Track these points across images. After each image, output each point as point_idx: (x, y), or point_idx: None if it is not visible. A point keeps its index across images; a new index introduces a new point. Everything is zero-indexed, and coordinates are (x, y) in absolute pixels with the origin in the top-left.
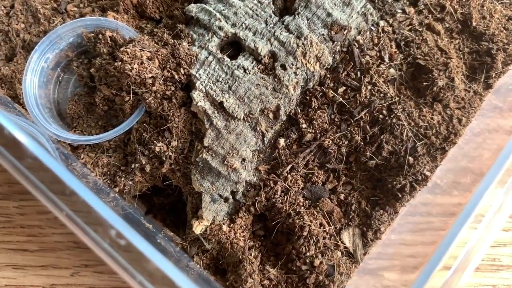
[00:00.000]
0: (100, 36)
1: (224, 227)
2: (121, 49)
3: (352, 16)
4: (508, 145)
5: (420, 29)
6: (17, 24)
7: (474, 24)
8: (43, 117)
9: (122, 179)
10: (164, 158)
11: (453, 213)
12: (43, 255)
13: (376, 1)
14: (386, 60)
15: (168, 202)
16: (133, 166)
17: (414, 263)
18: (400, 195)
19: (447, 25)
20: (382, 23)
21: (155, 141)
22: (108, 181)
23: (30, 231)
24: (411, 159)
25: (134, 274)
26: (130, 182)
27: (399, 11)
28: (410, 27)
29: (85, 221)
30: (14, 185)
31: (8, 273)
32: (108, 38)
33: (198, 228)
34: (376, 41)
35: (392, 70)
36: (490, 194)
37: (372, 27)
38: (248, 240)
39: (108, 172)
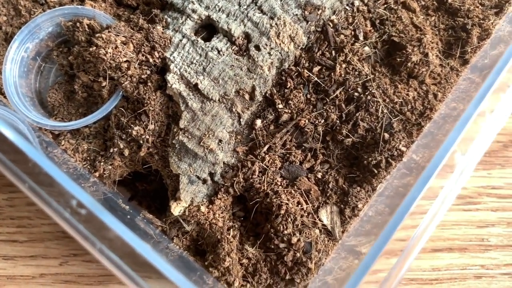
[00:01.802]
0: (78, 24)
1: (203, 208)
2: (97, 35)
3: None
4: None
5: (396, 8)
6: None
7: (449, 0)
8: (23, 105)
9: (102, 163)
10: (141, 142)
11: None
12: (32, 245)
13: None
14: (361, 38)
15: (152, 188)
16: (111, 150)
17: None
18: (376, 171)
19: (423, 2)
20: (357, 2)
21: (132, 125)
22: (88, 166)
23: (19, 222)
24: (386, 135)
25: (94, 242)
26: (110, 167)
27: None
28: (385, 5)
29: (48, 193)
30: (2, 178)
31: None
32: (86, 26)
33: (176, 209)
34: (350, 20)
35: (367, 48)
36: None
37: (347, 7)
38: (228, 221)
39: (88, 158)
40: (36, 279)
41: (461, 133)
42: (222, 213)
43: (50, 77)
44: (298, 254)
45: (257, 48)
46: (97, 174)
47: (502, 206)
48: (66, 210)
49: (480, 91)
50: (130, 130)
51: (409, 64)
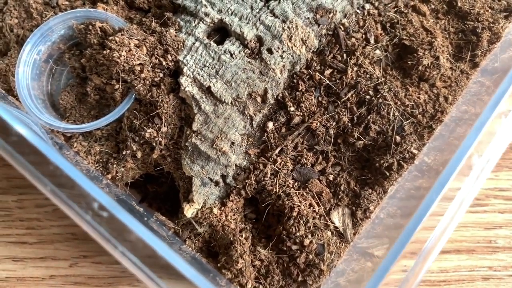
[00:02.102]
0: (90, 27)
1: (215, 210)
2: (110, 37)
3: (337, 0)
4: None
5: (406, 11)
6: (10, 20)
7: (459, 4)
8: (36, 107)
9: (114, 166)
10: (154, 144)
11: (449, 198)
12: (42, 247)
13: None
14: (372, 42)
15: (163, 191)
16: (124, 153)
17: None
18: (387, 174)
19: (433, 6)
20: (367, 6)
21: (145, 128)
22: (101, 169)
23: (29, 224)
24: (398, 138)
25: (116, 245)
26: (122, 169)
27: None
28: (395, 9)
29: (68, 196)
30: (13, 180)
31: (8, 266)
32: (98, 29)
33: (189, 211)
34: (361, 23)
35: (378, 52)
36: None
37: (358, 10)
38: (240, 223)
39: (101, 160)
40: (46, 281)
41: (478, 135)
42: (234, 215)
43: (61, 80)
44: (310, 256)
45: (269, 51)
46: (109, 176)
47: (509, 208)
48: (88, 213)
49: (496, 94)
50: (143, 133)
51: (420, 67)
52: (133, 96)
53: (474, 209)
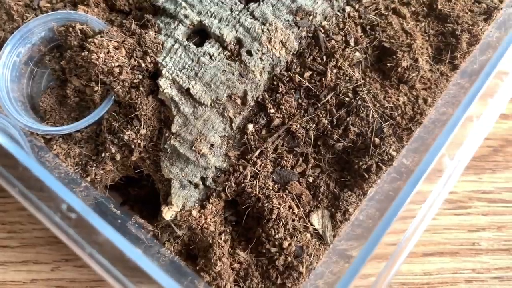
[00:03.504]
0: (70, 29)
1: (194, 213)
2: (89, 39)
3: (317, 2)
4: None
5: (386, 13)
6: None
7: (439, 7)
8: (15, 109)
9: (93, 168)
10: (133, 146)
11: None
12: (23, 250)
13: None
14: (352, 44)
15: (144, 193)
16: (103, 155)
17: None
18: (366, 176)
19: (413, 8)
20: (348, 8)
21: (124, 130)
22: (80, 171)
23: (10, 227)
24: (377, 140)
25: (84, 246)
26: (101, 171)
27: None
28: (376, 11)
29: (38, 197)
30: None
31: None
32: (78, 31)
33: (167, 214)
34: (341, 26)
35: (357, 54)
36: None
37: (338, 13)
38: (219, 225)
39: (80, 162)
40: (27, 285)
41: (449, 137)
42: (213, 217)
43: (42, 82)
44: (289, 258)
45: (249, 53)
46: (88, 178)
47: (492, 210)
48: (57, 215)
49: (467, 96)
50: (122, 135)
51: (399, 69)
52: (112, 98)
53: (458, 211)
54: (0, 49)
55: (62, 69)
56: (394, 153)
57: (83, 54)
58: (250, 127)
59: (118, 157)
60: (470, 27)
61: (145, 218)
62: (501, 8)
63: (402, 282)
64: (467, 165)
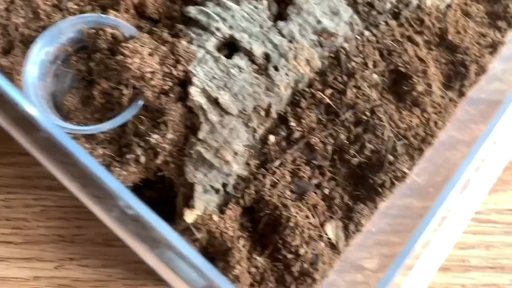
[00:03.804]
0: (101, 32)
1: (215, 217)
2: (123, 44)
3: (339, 25)
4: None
5: (402, 40)
6: (16, 19)
7: (450, 37)
8: (41, 107)
9: (117, 169)
10: (159, 150)
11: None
12: (27, 247)
13: (362, 12)
14: (370, 66)
15: (157, 196)
16: (128, 157)
17: (391, 253)
18: (380, 190)
19: (426, 37)
20: (366, 33)
21: (151, 133)
22: None
23: (15, 223)
24: (391, 157)
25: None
26: (125, 173)
27: (382, 23)
28: (392, 37)
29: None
30: (0, 178)
31: None
32: (109, 35)
33: (189, 217)
34: (361, 48)
35: (375, 76)
36: (452, 198)
37: (358, 36)
38: (237, 231)
39: (103, 163)
40: (30, 282)
41: (473, 159)
42: (232, 222)
43: (66, 82)
44: (305, 265)
45: (276, 68)
46: None
47: (482, 230)
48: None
49: (491, 123)
50: (148, 138)
51: (414, 93)
52: (141, 102)
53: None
54: (24, 46)
55: (89, 70)
56: (406, 171)
57: (118, 58)
58: (272, 138)
59: (142, 159)
60: (478, 59)
61: None
62: (505, 43)
63: None
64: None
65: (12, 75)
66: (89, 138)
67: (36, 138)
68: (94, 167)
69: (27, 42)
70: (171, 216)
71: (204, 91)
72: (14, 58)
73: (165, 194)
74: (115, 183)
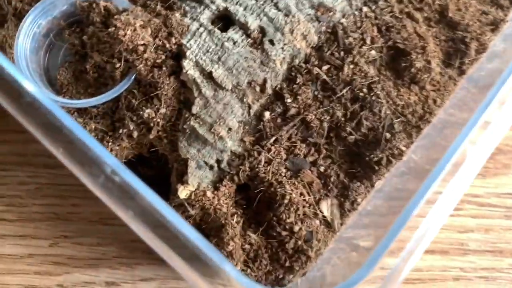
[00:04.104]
0: (94, 5)
1: (208, 193)
2: (115, 16)
3: (337, 0)
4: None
5: (401, 17)
6: None
7: (450, 15)
8: (34, 81)
9: (109, 144)
10: (152, 125)
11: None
12: (22, 225)
13: None
14: (368, 42)
15: (152, 174)
16: (120, 131)
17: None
18: (377, 168)
19: (425, 14)
20: (365, 8)
21: (143, 108)
22: None
23: (9, 200)
24: (388, 135)
25: (126, 209)
26: (117, 148)
27: None
28: (391, 14)
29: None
30: None
31: None
32: (102, 8)
33: (183, 192)
34: (359, 24)
35: (373, 52)
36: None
37: (356, 12)
38: (231, 207)
39: (96, 137)
40: (24, 259)
41: (466, 138)
42: (226, 199)
43: (59, 56)
44: (299, 242)
45: (271, 42)
46: None
47: (481, 214)
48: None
49: (486, 100)
50: (141, 113)
51: (412, 69)
52: (134, 76)
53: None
54: (16, 20)
55: (82, 44)
56: (404, 148)
57: (109, 30)
58: (267, 114)
59: (135, 134)
60: (479, 36)
61: None
62: (507, 21)
63: None
64: None
65: (5, 48)
66: (82, 112)
67: (31, 113)
68: (85, 138)
69: (20, 16)
70: (167, 194)
71: (197, 65)
72: (6, 31)
73: (160, 172)
74: (100, 148)
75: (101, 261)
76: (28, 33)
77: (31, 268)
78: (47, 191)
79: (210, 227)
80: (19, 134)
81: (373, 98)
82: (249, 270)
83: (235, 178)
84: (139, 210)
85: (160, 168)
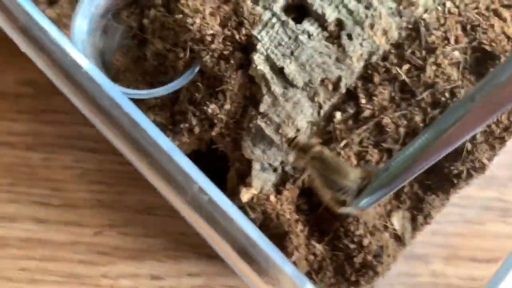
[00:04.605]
0: None
1: (272, 197)
2: (182, 1)
3: None
4: None
5: (487, 14)
6: None
7: None
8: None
9: (169, 138)
10: (215, 121)
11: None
12: (66, 210)
13: None
14: (452, 42)
15: (206, 168)
16: (181, 126)
17: (445, 255)
18: (455, 181)
19: None
20: (448, 3)
21: (207, 103)
22: None
23: (54, 185)
24: (469, 145)
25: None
26: (176, 142)
27: None
28: (476, 10)
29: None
30: (39, 137)
31: (29, 226)
32: None
33: (246, 195)
34: (442, 21)
35: (456, 53)
36: None
37: (439, 7)
38: (294, 214)
39: None
40: (68, 246)
41: None
42: (288, 204)
43: (115, 38)
44: (368, 257)
45: (349, 37)
46: None
47: None
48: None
49: None
50: (204, 108)
51: None
52: (198, 67)
53: (508, 220)
54: None
55: (141, 27)
56: (486, 162)
57: (176, 16)
58: (338, 115)
59: (197, 130)
60: None
61: None
62: None
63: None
64: None
65: (59, 28)
66: (140, 102)
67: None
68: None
69: None
70: (223, 191)
71: (268, 59)
72: (60, 9)
73: (214, 166)
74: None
75: (146, 253)
76: (86, 14)
77: (75, 256)
78: (92, 176)
79: (272, 233)
80: (64, 114)
81: None
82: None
83: (299, 182)
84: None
85: (214, 162)
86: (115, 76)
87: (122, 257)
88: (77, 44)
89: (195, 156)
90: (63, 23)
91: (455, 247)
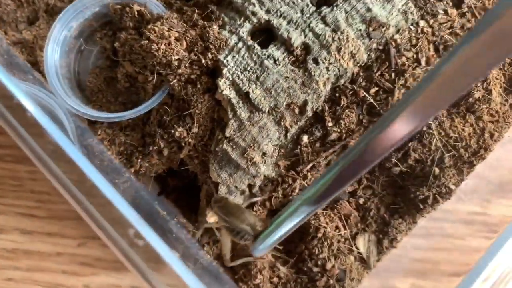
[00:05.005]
0: (128, 9)
1: None
2: (149, 26)
3: (392, 13)
4: None
5: (461, 33)
6: None
7: None
8: (62, 89)
9: (139, 160)
10: (183, 144)
11: (468, 222)
12: (50, 222)
13: None
14: (423, 64)
15: (182, 185)
16: (151, 148)
17: (424, 269)
18: (421, 206)
19: None
20: (422, 23)
21: (175, 125)
22: (124, 161)
23: (39, 197)
24: (437, 170)
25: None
26: (147, 164)
27: (441, 11)
28: (450, 30)
29: (104, 216)
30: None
31: (15, 237)
32: (136, 12)
33: (212, 218)
34: (414, 42)
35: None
36: None
37: (412, 27)
38: None
39: (125, 152)
40: (53, 257)
41: None
42: None
43: (90, 59)
44: (331, 281)
45: (315, 61)
46: (132, 170)
47: None
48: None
49: None
50: (172, 131)
51: (470, 99)
52: (166, 90)
53: (489, 235)
54: (48, 17)
55: (114, 49)
56: (453, 187)
57: (142, 42)
58: (305, 138)
59: (165, 152)
60: None
61: (180, 207)
62: None
63: None
64: (507, 189)
65: (35, 50)
66: (112, 123)
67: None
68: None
69: (52, 12)
70: (196, 208)
71: (234, 84)
72: (37, 31)
73: (188, 184)
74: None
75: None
76: (59, 38)
77: (59, 266)
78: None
79: (238, 254)
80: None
81: (424, 128)
82: None
83: (267, 204)
84: None
85: (190, 178)
86: (90, 96)
87: (104, 268)
88: (51, 68)
89: (170, 174)
90: (40, 45)
91: (434, 262)
